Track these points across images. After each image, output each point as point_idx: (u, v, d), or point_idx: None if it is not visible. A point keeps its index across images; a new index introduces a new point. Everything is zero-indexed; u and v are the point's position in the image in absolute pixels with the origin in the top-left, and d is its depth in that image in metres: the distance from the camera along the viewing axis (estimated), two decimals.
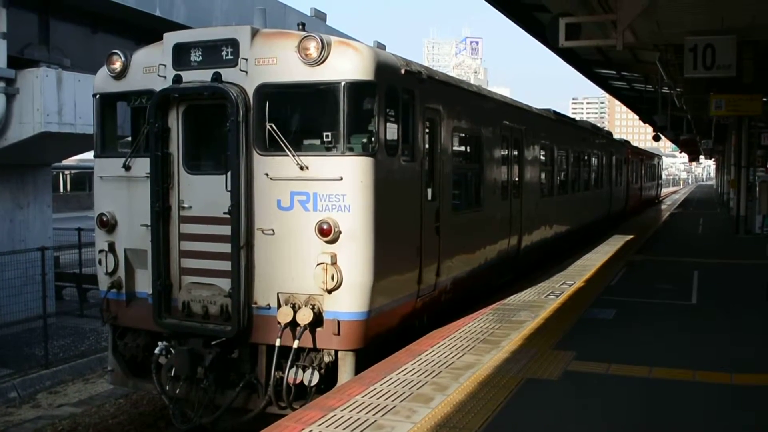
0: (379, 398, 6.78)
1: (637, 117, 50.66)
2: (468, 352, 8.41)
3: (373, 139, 8.14)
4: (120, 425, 11.36)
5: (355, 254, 7.96)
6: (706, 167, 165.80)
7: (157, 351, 8.57)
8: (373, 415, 6.33)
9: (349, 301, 7.98)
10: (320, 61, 7.93)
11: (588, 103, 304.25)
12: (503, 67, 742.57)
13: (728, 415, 6.64)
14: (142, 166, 8.74)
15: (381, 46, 22.91)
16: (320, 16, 26.62)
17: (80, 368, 14.45)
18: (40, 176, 18.78)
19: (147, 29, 17.70)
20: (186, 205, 8.60)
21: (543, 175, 16.37)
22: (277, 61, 8.13)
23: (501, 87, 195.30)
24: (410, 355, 8.36)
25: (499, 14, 17.27)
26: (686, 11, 14.84)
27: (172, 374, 8.36)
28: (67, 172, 57.39)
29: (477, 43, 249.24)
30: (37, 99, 15.93)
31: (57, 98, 16.04)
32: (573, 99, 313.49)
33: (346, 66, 7.97)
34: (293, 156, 7.99)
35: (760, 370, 7.93)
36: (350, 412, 6.42)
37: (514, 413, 6.48)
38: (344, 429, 6.02)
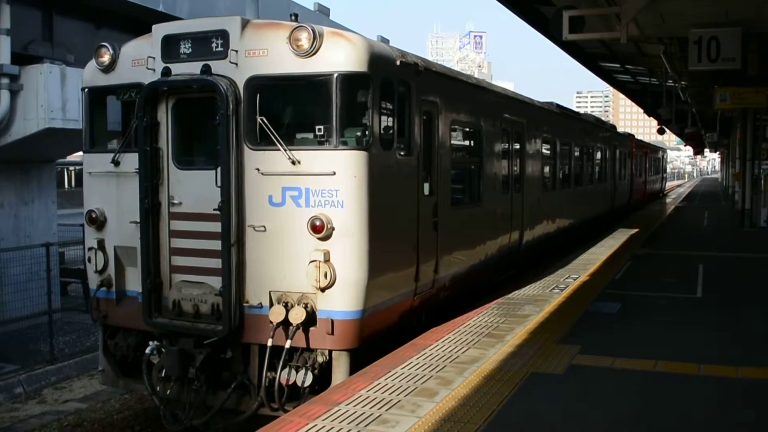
0: (383, 393, 6.69)
1: (641, 110, 50.48)
2: (473, 347, 8.29)
3: (367, 132, 7.85)
4: (125, 421, 11.28)
5: (349, 251, 7.68)
6: (711, 160, 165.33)
7: (147, 351, 8.31)
8: (378, 409, 6.25)
9: (343, 300, 7.70)
10: (312, 52, 7.65)
11: (592, 97, 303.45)
12: (507, 62, 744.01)
13: (734, 409, 6.50)
14: (131, 161, 8.47)
15: (384, 41, 22.84)
16: (324, 11, 26.52)
17: (85, 364, 14.35)
18: (45, 172, 18.67)
19: (150, 25, 17.62)
20: (176, 202, 8.34)
21: (545, 169, 16.05)
22: (268, 53, 7.84)
23: (505, 81, 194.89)
24: (415, 349, 8.21)
25: (503, 8, 17.20)
26: (690, 3, 14.75)
27: (163, 375, 8.13)
28: (71, 168, 57.32)
29: (481, 37, 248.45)
30: (41, 95, 15.83)
31: (61, 94, 15.94)
32: (577, 93, 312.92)
33: (338, 57, 7.68)
34: (284, 150, 7.70)
35: (766, 364, 7.76)
36: (355, 406, 6.33)
37: (518, 407, 6.38)
38: (349, 423, 5.93)
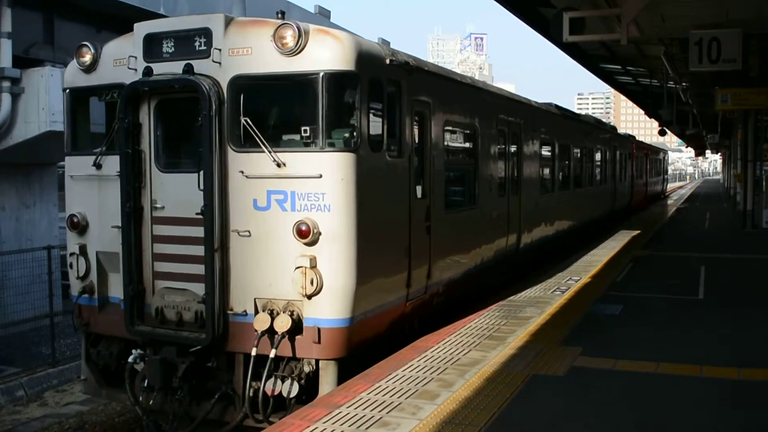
0: (384, 395, 6.59)
1: (642, 112, 50.42)
2: (474, 349, 8.18)
3: (355, 133, 7.48)
4: (126, 423, 11.14)
5: (336, 257, 7.32)
6: (713, 162, 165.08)
7: (130, 359, 7.97)
8: (379, 412, 6.17)
9: (330, 307, 7.34)
10: (297, 50, 7.30)
11: (593, 99, 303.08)
12: (508, 64, 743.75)
13: (736, 410, 6.43)
14: (113, 164, 8.11)
15: (385, 43, 22.85)
16: (324, 13, 26.47)
17: None
18: (46, 175, 18.58)
19: None
20: (159, 206, 7.98)
21: (543, 171, 15.69)
22: (251, 52, 7.50)
23: (506, 83, 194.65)
24: (415, 351, 8.07)
25: (504, 10, 17.19)
26: (691, 4, 14.73)
27: (146, 384, 7.80)
28: None
29: (481, 39, 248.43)
30: (42, 98, 15.77)
31: (62, 97, 16.02)
32: (578, 94, 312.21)
33: (325, 55, 7.32)
34: (269, 152, 7.35)
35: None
36: (356, 409, 6.26)
37: (520, 409, 6.30)
38: (349, 426, 5.86)
